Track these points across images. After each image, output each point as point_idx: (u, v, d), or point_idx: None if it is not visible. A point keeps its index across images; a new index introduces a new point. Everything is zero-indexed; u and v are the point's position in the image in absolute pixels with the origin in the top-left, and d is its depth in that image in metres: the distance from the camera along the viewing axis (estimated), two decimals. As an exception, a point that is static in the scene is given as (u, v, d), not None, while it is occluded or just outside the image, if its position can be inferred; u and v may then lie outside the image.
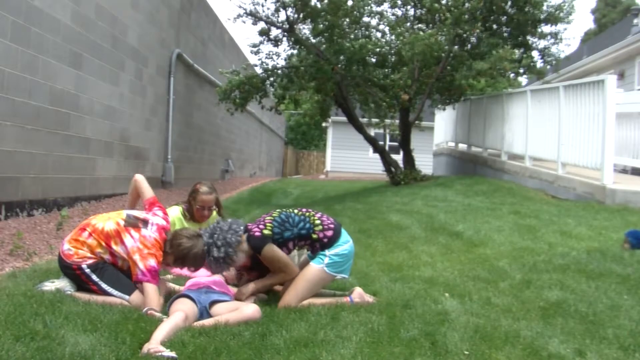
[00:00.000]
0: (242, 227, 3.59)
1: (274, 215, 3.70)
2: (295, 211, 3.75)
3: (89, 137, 8.16)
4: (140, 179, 4.14)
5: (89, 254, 3.51)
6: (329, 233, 3.67)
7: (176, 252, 3.51)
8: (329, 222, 3.74)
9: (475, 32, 11.34)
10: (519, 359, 2.81)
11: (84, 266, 3.48)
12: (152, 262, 3.44)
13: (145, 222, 3.60)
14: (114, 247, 3.51)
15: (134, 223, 3.56)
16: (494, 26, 11.86)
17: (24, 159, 6.63)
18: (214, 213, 4.77)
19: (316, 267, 3.64)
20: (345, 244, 3.71)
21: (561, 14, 11.66)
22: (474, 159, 13.67)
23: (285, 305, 3.53)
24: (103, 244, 3.52)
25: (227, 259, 3.50)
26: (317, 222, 3.70)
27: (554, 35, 12.26)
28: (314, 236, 3.65)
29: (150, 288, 3.39)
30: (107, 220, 3.60)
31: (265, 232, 3.58)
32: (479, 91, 13.47)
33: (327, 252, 3.64)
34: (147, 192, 4.04)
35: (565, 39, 12.45)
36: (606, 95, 7.62)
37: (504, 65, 10.49)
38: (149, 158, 10.72)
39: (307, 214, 3.75)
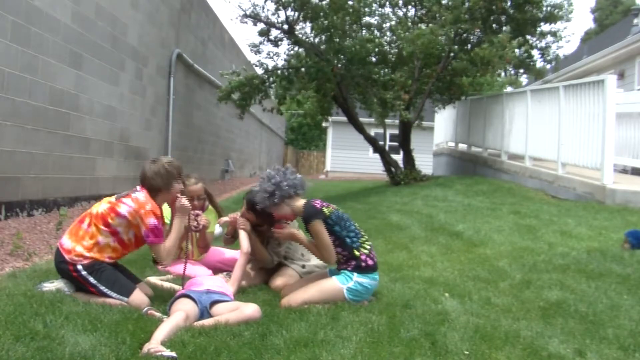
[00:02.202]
0: (302, 190, 3.72)
1: (338, 208, 3.74)
2: (356, 224, 3.77)
3: (89, 137, 8.16)
4: None
5: (86, 253, 3.46)
6: (370, 262, 3.68)
7: (161, 179, 3.59)
8: (374, 254, 3.77)
9: (475, 31, 11.34)
10: (519, 359, 2.81)
11: (79, 267, 3.42)
12: (152, 220, 3.48)
13: (133, 190, 3.65)
14: (111, 222, 3.49)
15: (124, 194, 3.61)
16: (494, 26, 11.86)
17: (24, 159, 6.63)
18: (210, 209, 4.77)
19: (337, 285, 3.62)
20: (374, 280, 3.70)
21: (560, 13, 11.66)
22: (474, 159, 13.67)
23: (288, 303, 3.53)
24: (102, 227, 3.49)
25: (271, 197, 3.66)
26: (367, 246, 3.73)
27: (554, 34, 12.26)
28: (356, 253, 3.64)
29: (158, 248, 3.52)
30: (100, 204, 3.62)
31: (325, 210, 3.61)
32: (478, 87, 13.46)
33: (355, 276, 3.62)
34: None
35: (565, 36, 12.36)
36: (606, 95, 7.62)
37: (506, 52, 10.46)
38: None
39: (362, 233, 3.77)
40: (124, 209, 3.50)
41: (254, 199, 3.84)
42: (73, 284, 3.49)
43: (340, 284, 3.62)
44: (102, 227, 3.50)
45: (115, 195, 3.66)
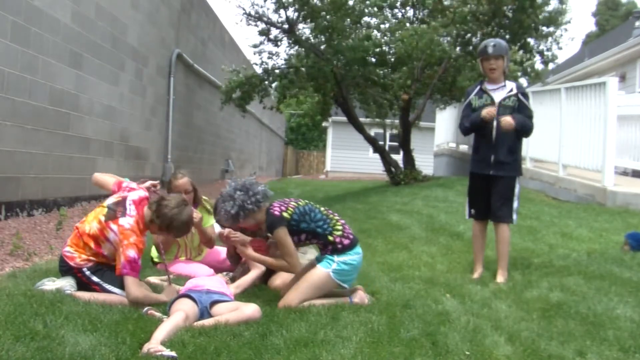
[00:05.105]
0: (266, 201, 3.65)
1: (299, 203, 3.71)
2: (322, 209, 3.76)
3: (89, 137, 8.15)
4: (97, 176, 4.12)
5: (92, 257, 3.51)
6: (346, 242, 3.68)
7: (163, 221, 3.53)
8: (349, 231, 3.77)
9: (478, 33, 11.33)
10: (520, 360, 2.81)
11: (84, 269, 3.50)
12: (132, 252, 3.43)
13: (123, 205, 3.58)
14: (103, 248, 3.51)
15: (113, 215, 3.54)
16: (496, 29, 11.84)
17: (24, 159, 6.63)
18: (207, 206, 4.76)
19: (323, 271, 3.62)
20: (356, 254, 3.70)
21: (559, 18, 11.68)
22: (475, 160, 13.62)
23: (286, 305, 3.52)
24: (93, 248, 3.52)
25: (235, 218, 3.61)
26: (339, 226, 3.72)
27: (552, 35, 12.25)
28: (330, 238, 3.65)
29: (129, 280, 3.40)
30: (93, 220, 3.59)
31: (285, 214, 3.59)
32: None
33: (335, 257, 3.63)
34: (109, 180, 3.99)
35: (562, 42, 12.39)
36: (607, 97, 7.61)
37: (509, 66, 10.47)
38: (149, 158, 10.72)
39: (331, 216, 3.76)
40: (111, 236, 3.49)
41: (219, 219, 3.85)
42: (75, 281, 3.51)
43: (325, 269, 3.62)
44: (94, 248, 3.52)
45: (107, 209, 3.58)
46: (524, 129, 4.48)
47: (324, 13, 11.32)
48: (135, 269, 3.44)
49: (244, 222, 3.66)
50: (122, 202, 3.61)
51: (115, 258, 3.50)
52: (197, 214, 4.33)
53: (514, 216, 4.55)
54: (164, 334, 2.77)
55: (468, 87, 5.22)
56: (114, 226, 3.48)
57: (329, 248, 3.66)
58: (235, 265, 4.44)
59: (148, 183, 3.98)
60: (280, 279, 4.13)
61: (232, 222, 3.68)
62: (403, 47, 10.80)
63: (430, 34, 10.52)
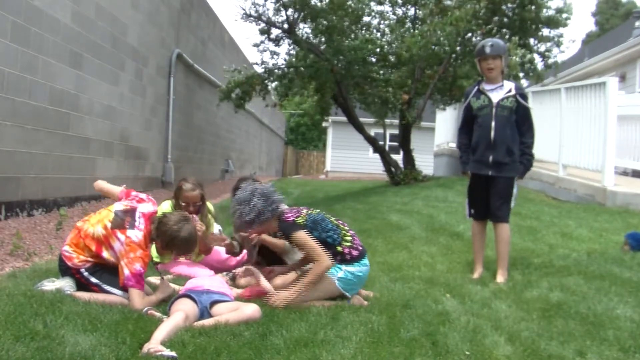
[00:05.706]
0: (280, 210, 3.67)
1: (311, 211, 3.73)
2: (332, 219, 3.77)
3: (89, 137, 8.15)
4: (100, 184, 4.09)
5: (89, 258, 3.50)
6: (355, 253, 3.69)
7: (163, 239, 3.51)
8: (358, 242, 3.78)
9: (479, 32, 11.32)
10: (520, 360, 2.81)
11: (82, 270, 3.49)
12: (138, 266, 3.39)
13: (132, 215, 3.54)
14: (105, 253, 3.48)
15: (120, 223, 3.50)
16: (496, 28, 11.83)
17: (24, 159, 6.63)
18: (210, 207, 4.78)
19: (327, 278, 3.62)
20: (363, 266, 3.71)
21: (560, 18, 11.66)
22: (475, 160, 13.61)
23: (283, 297, 3.50)
24: (94, 249, 3.50)
25: (249, 224, 3.62)
26: (348, 237, 3.73)
27: (553, 39, 12.25)
28: (339, 249, 3.65)
29: (135, 293, 3.36)
30: (97, 223, 3.55)
31: (298, 220, 3.60)
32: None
33: (343, 267, 3.64)
34: (114, 189, 3.96)
35: (566, 41, 12.36)
36: (608, 97, 7.61)
37: (510, 60, 10.45)
38: (149, 158, 10.72)
39: (341, 227, 3.76)
40: (116, 246, 3.46)
41: (234, 222, 3.83)
42: (75, 281, 3.50)
43: (331, 275, 3.62)
44: (94, 251, 3.49)
45: (114, 215, 3.55)
46: (532, 159, 4.61)
47: (323, 13, 11.31)
48: (141, 282, 3.42)
49: (257, 228, 3.66)
50: (131, 212, 3.57)
51: (115, 261, 3.47)
52: (200, 226, 4.33)
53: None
54: (164, 334, 2.77)
55: (467, 87, 5.23)
56: (121, 236, 3.45)
57: (337, 258, 3.65)
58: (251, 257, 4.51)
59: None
60: (281, 278, 4.13)
61: (244, 227, 3.67)
62: (406, 51, 10.79)
63: (428, 37, 10.49)
